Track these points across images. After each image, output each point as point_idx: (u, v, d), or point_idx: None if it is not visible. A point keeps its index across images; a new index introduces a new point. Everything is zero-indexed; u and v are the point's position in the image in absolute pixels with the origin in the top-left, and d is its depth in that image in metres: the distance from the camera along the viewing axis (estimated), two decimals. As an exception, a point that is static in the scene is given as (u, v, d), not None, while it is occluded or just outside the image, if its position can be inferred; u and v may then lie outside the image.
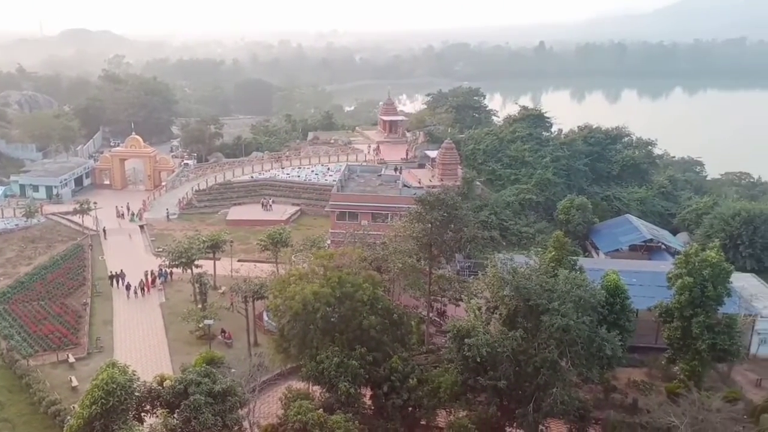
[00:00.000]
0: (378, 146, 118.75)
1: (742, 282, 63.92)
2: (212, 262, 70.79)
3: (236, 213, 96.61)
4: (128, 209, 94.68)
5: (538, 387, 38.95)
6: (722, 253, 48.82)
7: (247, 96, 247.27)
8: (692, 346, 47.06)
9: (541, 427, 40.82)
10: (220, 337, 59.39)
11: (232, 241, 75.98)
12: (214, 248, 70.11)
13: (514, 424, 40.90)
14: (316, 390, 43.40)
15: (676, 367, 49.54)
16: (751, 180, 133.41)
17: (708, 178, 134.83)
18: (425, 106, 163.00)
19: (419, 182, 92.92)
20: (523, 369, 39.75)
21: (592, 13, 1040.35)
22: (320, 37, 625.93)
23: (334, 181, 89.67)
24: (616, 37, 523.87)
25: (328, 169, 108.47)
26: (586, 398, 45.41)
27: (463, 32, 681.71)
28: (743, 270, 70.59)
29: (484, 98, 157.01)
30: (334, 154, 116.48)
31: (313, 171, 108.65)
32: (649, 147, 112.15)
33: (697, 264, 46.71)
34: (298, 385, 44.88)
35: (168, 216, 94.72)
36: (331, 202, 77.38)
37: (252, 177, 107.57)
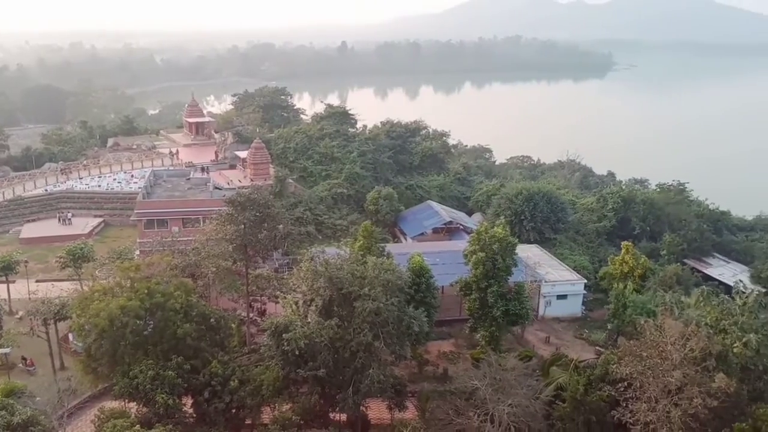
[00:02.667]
0: (177, 151, 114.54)
1: (528, 252, 72.30)
2: (5, 285, 64.20)
3: (30, 230, 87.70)
4: None
5: (356, 370, 40.93)
6: (508, 229, 54.81)
7: (37, 103, 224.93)
8: (489, 314, 52.49)
9: (361, 407, 42.98)
10: (20, 365, 54.09)
11: (26, 261, 69.31)
12: (6, 270, 63.62)
13: (337, 409, 42.58)
14: (132, 407, 41.51)
15: (478, 335, 54.64)
16: (532, 162, 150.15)
17: (497, 163, 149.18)
18: (232, 107, 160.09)
19: (230, 183, 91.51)
20: (341, 355, 41.49)
21: (393, 14, 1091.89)
22: (117, 38, 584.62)
23: (139, 188, 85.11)
24: (412, 36, 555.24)
25: (132, 176, 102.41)
26: (401, 374, 48.45)
27: (267, 32, 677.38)
28: (528, 242, 79.55)
29: (291, 97, 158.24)
30: (138, 160, 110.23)
31: (115, 179, 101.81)
32: (444, 138, 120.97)
33: (487, 240, 51.94)
34: (112, 404, 42.59)
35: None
36: (137, 211, 73.52)
37: (46, 190, 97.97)
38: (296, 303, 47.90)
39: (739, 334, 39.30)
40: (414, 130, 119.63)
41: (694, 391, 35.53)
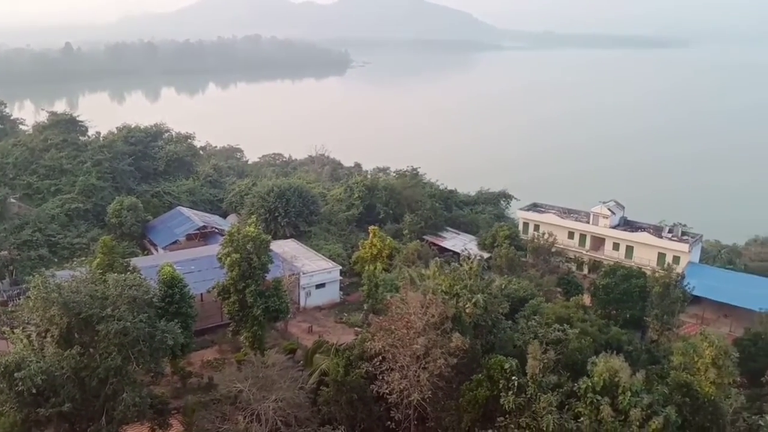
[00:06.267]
0: None
1: (284, 248, 73.45)
2: None
3: None
4: None
5: (108, 397, 37.78)
6: (260, 226, 54.93)
7: None
8: (250, 314, 52.08)
9: (120, 435, 39.87)
10: None
11: None
12: None
13: (91, 443, 38.89)
14: None
15: (241, 337, 53.99)
16: (284, 159, 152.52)
17: (249, 162, 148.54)
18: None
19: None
20: (89, 384, 37.90)
21: (121, 14, 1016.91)
22: None
23: None
24: (147, 36, 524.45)
25: None
26: (162, 392, 45.95)
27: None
28: (284, 237, 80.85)
29: (5, 107, 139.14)
30: None
31: None
32: (189, 140, 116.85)
33: (240, 240, 51.42)
34: None
35: None
36: None
37: None
38: (28, 337, 42.48)
39: (469, 295, 44.37)
40: (155, 133, 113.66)
41: (437, 353, 39.40)
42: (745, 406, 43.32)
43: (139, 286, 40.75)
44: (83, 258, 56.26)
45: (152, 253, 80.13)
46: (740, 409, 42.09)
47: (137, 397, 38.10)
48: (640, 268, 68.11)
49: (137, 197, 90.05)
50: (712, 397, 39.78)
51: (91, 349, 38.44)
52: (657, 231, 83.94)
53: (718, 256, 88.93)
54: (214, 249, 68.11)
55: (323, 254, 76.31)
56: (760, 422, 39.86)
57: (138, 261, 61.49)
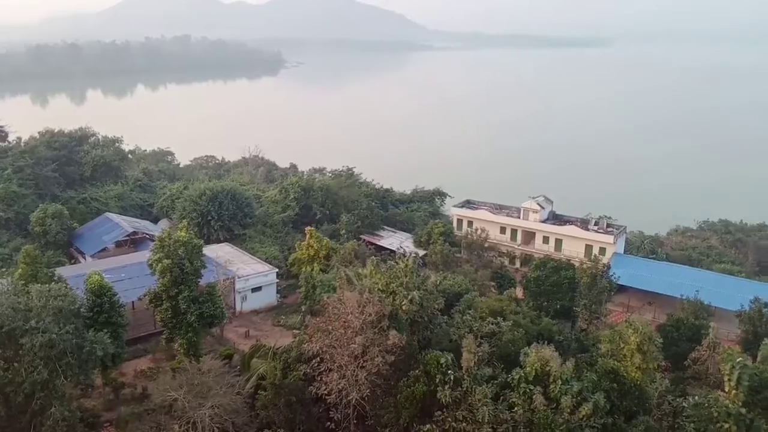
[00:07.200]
0: None
1: (218, 252, 72.21)
2: None
3: None
4: None
5: (35, 413, 36.36)
6: (192, 231, 53.81)
7: None
8: (184, 321, 50.94)
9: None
10: None
11: None
12: None
13: (17, 463, 37.31)
14: None
15: (176, 344, 52.77)
16: (217, 161, 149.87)
17: (181, 165, 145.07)
18: None
19: None
20: (14, 401, 36.42)
21: (42, 15, 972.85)
22: None
23: None
24: (70, 37, 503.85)
25: None
26: (93, 405, 44.57)
27: None
28: (218, 241, 79.45)
29: None
30: None
31: None
32: (117, 144, 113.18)
33: (171, 246, 50.22)
34: None
35: None
36: None
37: None
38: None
39: (405, 293, 44.82)
40: (81, 138, 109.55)
41: (375, 352, 39.69)
42: (669, 389, 45.50)
43: (65, 296, 39.41)
44: (4, 269, 53.74)
45: (80, 262, 77.28)
46: (665, 392, 44.18)
47: (66, 411, 36.89)
48: (569, 260, 70.62)
49: (62, 204, 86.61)
50: (638, 382, 41.68)
51: (15, 364, 36.98)
52: (584, 224, 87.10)
53: (641, 247, 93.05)
54: (144, 255, 66.34)
55: (259, 257, 75.41)
56: (684, 404, 41.92)
57: (64, 270, 59.28)
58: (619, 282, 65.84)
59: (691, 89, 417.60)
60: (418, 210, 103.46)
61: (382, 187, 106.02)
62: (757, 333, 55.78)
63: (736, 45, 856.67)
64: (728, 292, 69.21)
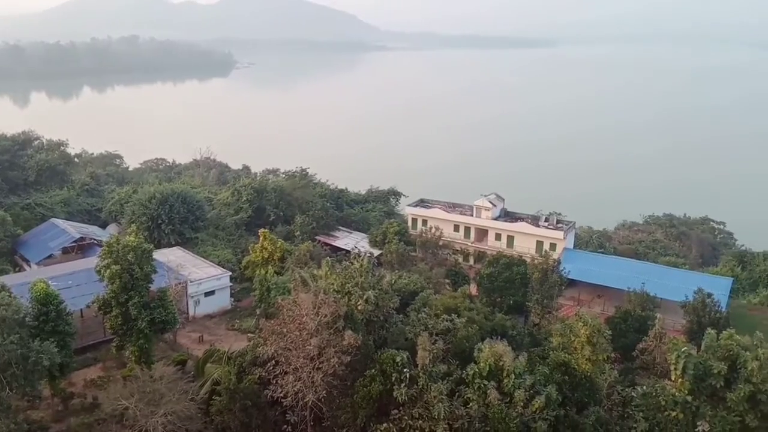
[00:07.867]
0: None
1: (170, 256, 70.93)
2: None
3: None
4: None
5: (-23, 427, 35.09)
6: (142, 235, 52.67)
7: None
8: (135, 327, 49.79)
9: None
10: None
11: None
12: None
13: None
14: None
15: (127, 352, 51.57)
16: (167, 164, 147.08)
17: (130, 168, 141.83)
18: None
19: None
20: (-46, 416, 35.05)
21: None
22: None
23: None
24: (11, 38, 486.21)
25: None
26: (41, 417, 43.25)
27: None
28: (169, 245, 77.95)
29: None
30: None
31: None
32: (62, 147, 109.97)
33: (120, 251, 49.06)
34: None
35: None
36: None
37: None
38: None
39: (360, 293, 44.93)
40: (24, 142, 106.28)
41: (330, 352, 39.64)
42: (618, 379, 46.90)
43: (8, 305, 38.20)
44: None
45: (25, 270, 74.73)
46: (614, 382, 45.52)
47: (12, 423, 35.85)
48: (521, 257, 71.79)
49: (5, 210, 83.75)
50: (589, 374, 42.82)
51: (-45, 377, 35.57)
52: (535, 221, 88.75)
53: (590, 241, 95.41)
54: (92, 261, 64.73)
55: (212, 261, 74.30)
56: (633, 394, 43.23)
57: (7, 279, 57.25)
58: (570, 276, 67.37)
59: (641, 90, 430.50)
60: (373, 210, 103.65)
61: (336, 188, 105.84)
62: (701, 323, 57.84)
63: (678, 46, 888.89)
64: (673, 284, 71.46)
